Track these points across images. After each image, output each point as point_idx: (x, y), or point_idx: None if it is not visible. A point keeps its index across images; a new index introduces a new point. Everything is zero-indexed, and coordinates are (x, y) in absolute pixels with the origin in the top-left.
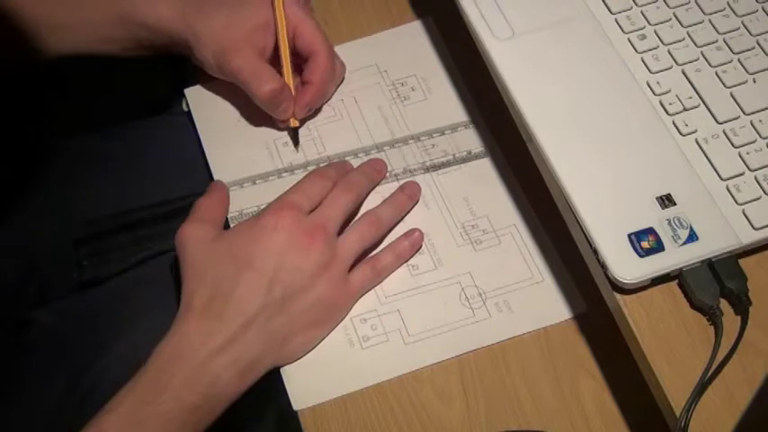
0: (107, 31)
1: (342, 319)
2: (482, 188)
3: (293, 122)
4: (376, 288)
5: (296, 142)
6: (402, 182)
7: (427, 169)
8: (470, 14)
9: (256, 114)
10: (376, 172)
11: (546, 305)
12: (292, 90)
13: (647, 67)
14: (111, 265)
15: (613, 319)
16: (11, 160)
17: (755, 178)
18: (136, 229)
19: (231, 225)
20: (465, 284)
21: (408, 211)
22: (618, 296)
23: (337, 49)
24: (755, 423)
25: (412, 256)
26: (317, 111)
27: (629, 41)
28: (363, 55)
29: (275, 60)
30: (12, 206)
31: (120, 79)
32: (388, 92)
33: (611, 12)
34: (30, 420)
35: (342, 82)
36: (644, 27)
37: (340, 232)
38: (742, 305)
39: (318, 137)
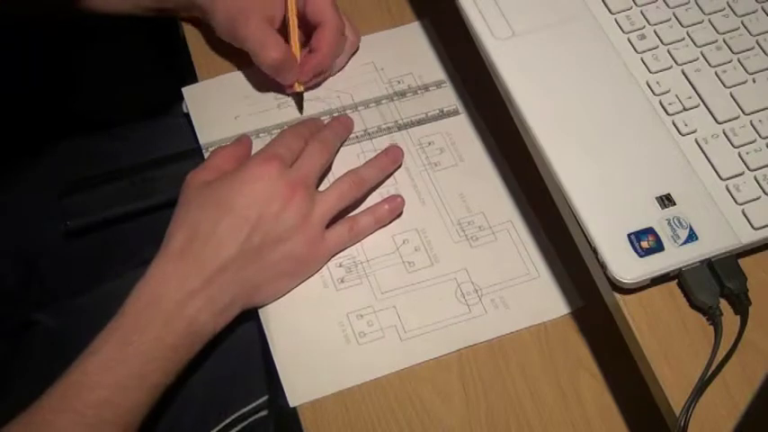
0: None
1: (312, 274)
2: (478, 184)
3: (297, 87)
4: (372, 284)
5: (300, 107)
6: (401, 182)
7: (424, 166)
8: (470, 14)
9: (254, 112)
10: (345, 129)
11: (542, 301)
12: (298, 57)
13: (647, 67)
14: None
15: (613, 318)
16: (12, 160)
17: (755, 178)
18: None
19: None
20: (461, 281)
21: (391, 174)
22: (617, 296)
23: None
24: (755, 423)
25: (391, 221)
26: (325, 79)
27: (629, 41)
28: (360, 53)
29: (285, 29)
30: (13, 207)
31: (122, 80)
32: (384, 89)
33: (610, 12)
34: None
35: (356, 51)
36: (644, 27)
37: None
38: (742, 305)
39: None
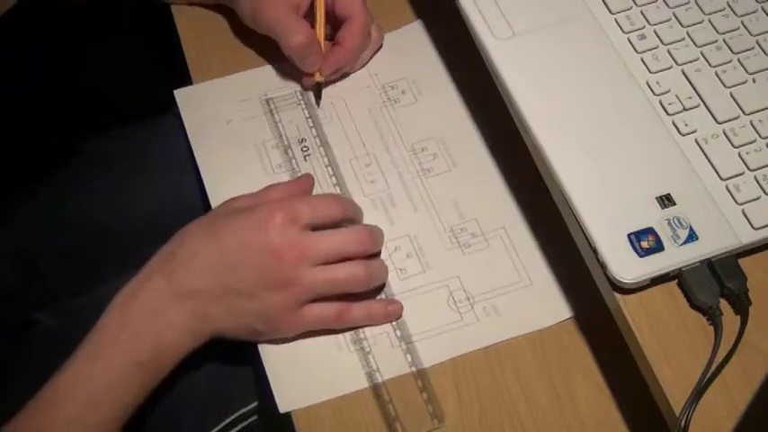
0: None
1: (281, 337)
2: (471, 191)
3: (318, 76)
4: None
5: (318, 97)
6: (394, 189)
7: (417, 173)
8: (470, 14)
9: (246, 117)
10: (375, 244)
11: (534, 310)
12: (323, 44)
13: (647, 67)
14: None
15: (608, 321)
16: (13, 161)
17: (755, 178)
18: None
19: None
20: (453, 288)
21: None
22: (618, 296)
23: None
24: (755, 423)
25: (380, 325)
26: (347, 75)
27: (629, 41)
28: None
29: (310, 18)
30: (13, 207)
31: (121, 80)
32: (378, 95)
33: (610, 12)
34: None
35: (380, 48)
36: (644, 27)
37: None
38: (742, 305)
39: (308, 138)
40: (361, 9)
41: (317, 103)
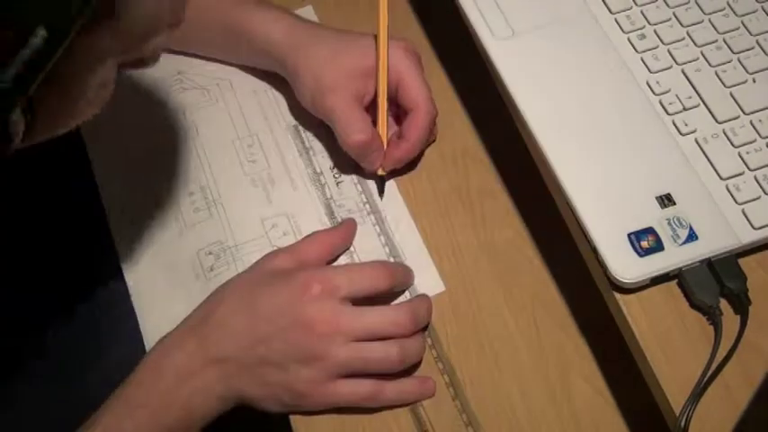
0: (213, 35)
1: (310, 410)
2: None
3: (380, 172)
4: None
5: (381, 191)
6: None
7: (300, 152)
8: (470, 14)
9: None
10: (413, 324)
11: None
12: (385, 142)
13: (647, 67)
14: None
15: (608, 321)
16: (8, 170)
17: (755, 178)
18: None
19: None
20: None
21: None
22: (618, 296)
23: None
24: (755, 423)
25: (413, 404)
26: (407, 165)
27: (629, 41)
28: None
29: (373, 108)
30: (8, 213)
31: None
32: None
33: (610, 11)
34: (26, 429)
35: (434, 141)
36: (644, 27)
37: None
38: (742, 305)
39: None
40: (427, 101)
41: (381, 195)
